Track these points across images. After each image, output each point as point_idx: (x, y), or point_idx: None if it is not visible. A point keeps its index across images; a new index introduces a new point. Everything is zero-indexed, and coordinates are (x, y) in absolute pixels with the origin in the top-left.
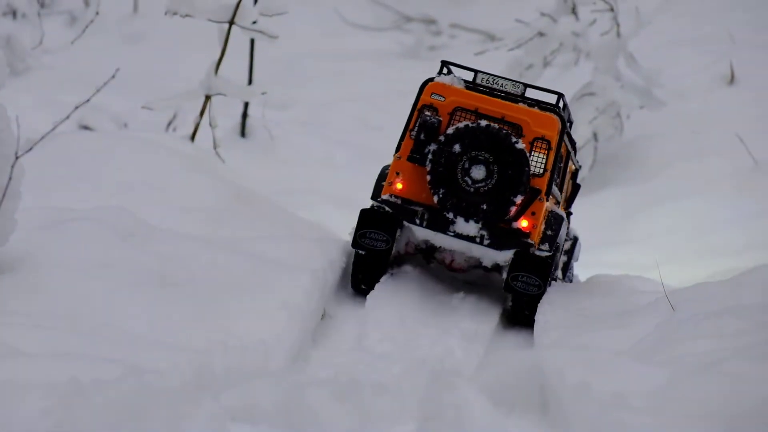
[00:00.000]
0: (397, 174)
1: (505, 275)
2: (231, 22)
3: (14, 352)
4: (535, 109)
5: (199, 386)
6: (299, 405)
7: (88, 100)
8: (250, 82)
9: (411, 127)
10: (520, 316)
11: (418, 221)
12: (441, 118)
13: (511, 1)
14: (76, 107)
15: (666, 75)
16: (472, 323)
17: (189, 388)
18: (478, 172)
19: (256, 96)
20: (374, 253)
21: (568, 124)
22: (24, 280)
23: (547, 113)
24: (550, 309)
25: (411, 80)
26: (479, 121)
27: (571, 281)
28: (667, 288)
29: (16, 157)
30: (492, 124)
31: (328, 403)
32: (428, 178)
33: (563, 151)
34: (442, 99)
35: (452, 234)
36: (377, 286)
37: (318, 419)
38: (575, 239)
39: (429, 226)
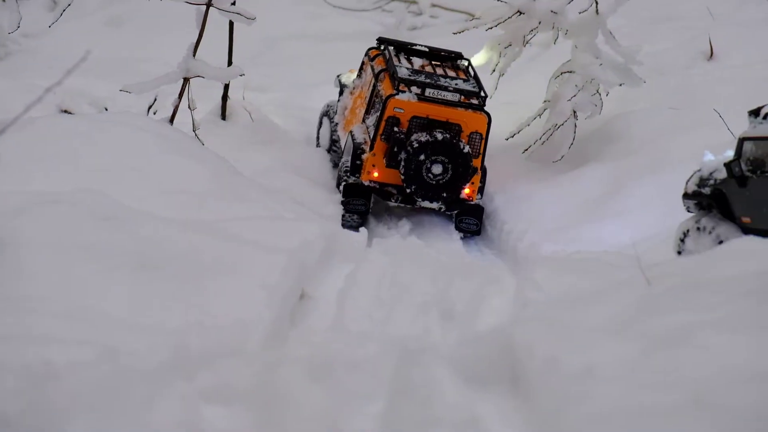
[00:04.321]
0: (374, 166)
1: (454, 219)
2: (208, 4)
3: None
4: (470, 111)
5: (175, 367)
6: (273, 385)
7: (59, 83)
8: (229, 64)
9: (380, 132)
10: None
11: (393, 200)
12: (404, 130)
13: None
14: (47, 90)
15: (645, 52)
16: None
17: (165, 370)
18: (438, 170)
19: (234, 77)
20: (357, 213)
21: (483, 95)
22: (2, 263)
23: (478, 113)
24: (528, 285)
25: None
26: (436, 134)
27: (481, 197)
28: (644, 263)
29: None
30: (445, 135)
31: (303, 383)
32: (402, 177)
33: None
34: (402, 111)
35: (419, 206)
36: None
37: (292, 399)
38: (485, 171)
39: (402, 203)
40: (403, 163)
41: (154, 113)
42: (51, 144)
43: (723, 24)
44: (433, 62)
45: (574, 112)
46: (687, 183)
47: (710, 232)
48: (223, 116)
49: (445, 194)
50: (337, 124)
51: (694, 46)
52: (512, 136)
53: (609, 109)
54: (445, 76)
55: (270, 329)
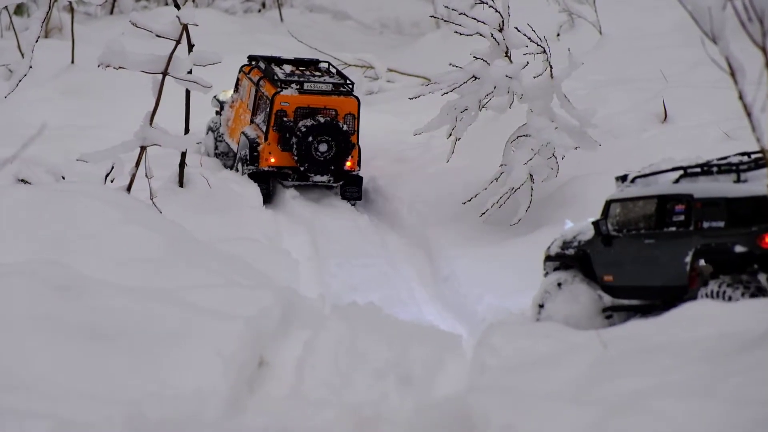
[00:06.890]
0: (270, 153)
1: (339, 189)
2: (164, 73)
3: None
4: (342, 97)
5: None
6: None
7: (13, 157)
8: (186, 131)
9: (272, 124)
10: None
11: (290, 180)
12: (292, 120)
13: (447, 45)
14: (0, 165)
15: (600, 115)
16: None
17: None
18: (323, 148)
19: (191, 145)
20: (262, 196)
21: (350, 83)
22: None
23: (350, 98)
24: (487, 350)
25: None
26: (319, 118)
27: (359, 168)
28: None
29: None
30: (327, 119)
31: None
32: (295, 157)
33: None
34: (288, 104)
35: (312, 182)
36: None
37: None
38: (359, 148)
39: (297, 180)
40: (295, 146)
41: (112, 181)
42: (7, 215)
43: (676, 86)
44: (300, 68)
45: (531, 175)
46: (549, 247)
47: (570, 284)
48: (181, 183)
49: (332, 167)
50: (222, 134)
51: (647, 108)
52: (469, 200)
53: (564, 172)
54: (314, 75)
55: (227, 398)
